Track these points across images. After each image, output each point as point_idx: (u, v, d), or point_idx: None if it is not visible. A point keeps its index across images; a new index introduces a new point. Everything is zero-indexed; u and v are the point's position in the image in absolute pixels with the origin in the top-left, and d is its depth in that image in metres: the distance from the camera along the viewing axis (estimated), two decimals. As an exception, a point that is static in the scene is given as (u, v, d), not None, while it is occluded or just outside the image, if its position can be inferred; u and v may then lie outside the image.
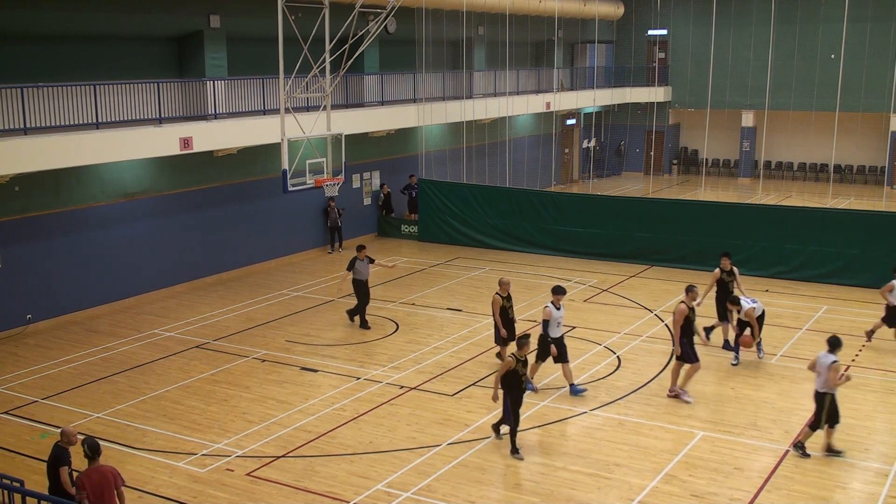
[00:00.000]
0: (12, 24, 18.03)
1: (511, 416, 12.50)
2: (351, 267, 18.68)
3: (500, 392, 12.57)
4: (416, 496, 11.41)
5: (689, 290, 14.61)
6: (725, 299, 16.43)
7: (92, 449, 9.49)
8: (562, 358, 14.62)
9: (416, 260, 24.83)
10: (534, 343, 13.92)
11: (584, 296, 21.12)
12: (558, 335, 14.60)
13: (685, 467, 12.17)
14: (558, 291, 14.73)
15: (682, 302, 14.40)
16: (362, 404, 14.49)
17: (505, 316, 15.84)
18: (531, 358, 14.30)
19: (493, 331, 16.30)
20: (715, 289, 16.95)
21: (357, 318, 18.80)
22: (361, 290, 18.62)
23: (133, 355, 17.07)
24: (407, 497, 11.40)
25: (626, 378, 15.60)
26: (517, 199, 26.22)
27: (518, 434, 12.61)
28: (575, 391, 14.72)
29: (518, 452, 12.50)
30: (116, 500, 9.50)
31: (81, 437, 9.84)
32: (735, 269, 16.93)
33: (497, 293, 15.96)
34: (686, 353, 14.36)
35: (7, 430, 13.62)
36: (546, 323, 14.52)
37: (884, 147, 37.67)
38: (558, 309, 14.53)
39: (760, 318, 15.92)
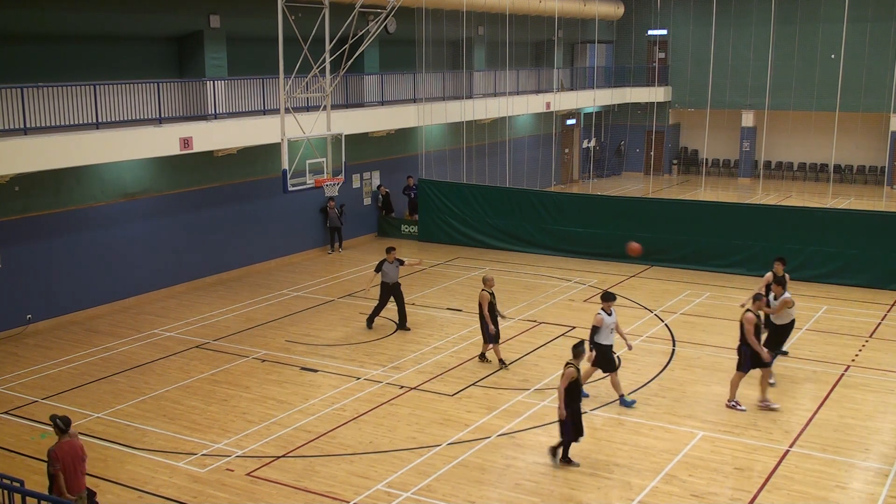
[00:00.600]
0: (12, 24, 18.03)
1: (570, 429, 12.09)
2: (379, 269, 18.37)
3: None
4: (416, 496, 11.41)
5: (757, 298, 14.26)
6: (766, 305, 15.90)
7: (64, 423, 9.87)
8: (608, 368, 14.31)
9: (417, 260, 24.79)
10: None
11: (584, 296, 21.11)
12: (610, 342, 14.25)
13: (685, 467, 12.17)
14: (609, 298, 14.33)
15: (749, 310, 14.00)
16: (362, 404, 14.48)
17: (492, 312, 15.84)
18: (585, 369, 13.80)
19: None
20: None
21: (405, 322, 18.45)
22: (388, 293, 18.31)
23: (133, 355, 17.07)
24: (407, 497, 11.40)
25: (626, 378, 15.57)
26: (517, 199, 26.21)
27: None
28: (625, 402, 14.33)
29: (572, 461, 12.19)
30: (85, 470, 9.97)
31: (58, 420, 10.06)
32: (787, 275, 16.38)
33: (484, 289, 15.95)
34: (743, 361, 14.03)
35: (7, 430, 13.62)
36: (595, 329, 14.16)
37: (884, 147, 37.67)
38: (610, 315, 14.17)
39: (788, 328, 15.52)
